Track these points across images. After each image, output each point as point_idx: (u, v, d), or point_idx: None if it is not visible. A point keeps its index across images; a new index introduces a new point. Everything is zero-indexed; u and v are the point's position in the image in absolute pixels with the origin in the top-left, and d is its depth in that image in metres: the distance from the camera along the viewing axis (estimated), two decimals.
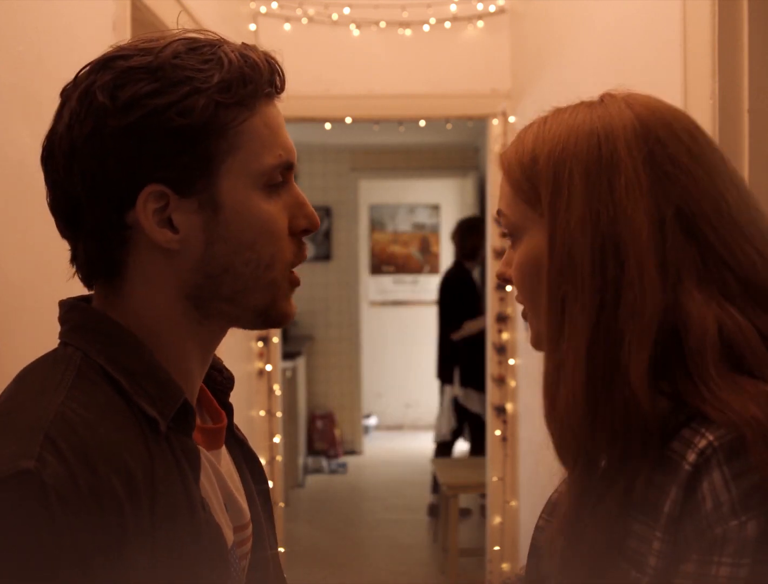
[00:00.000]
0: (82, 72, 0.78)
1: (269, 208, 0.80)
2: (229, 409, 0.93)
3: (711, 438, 0.71)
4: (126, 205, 0.76)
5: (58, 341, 0.80)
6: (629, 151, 0.78)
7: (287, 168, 0.82)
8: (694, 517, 0.70)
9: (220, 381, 0.93)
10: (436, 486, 4.79)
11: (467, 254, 4.96)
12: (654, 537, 0.73)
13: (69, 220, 0.79)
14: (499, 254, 3.42)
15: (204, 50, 0.78)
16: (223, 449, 0.89)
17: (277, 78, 0.82)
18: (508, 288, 3.34)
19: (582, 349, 0.76)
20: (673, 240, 0.77)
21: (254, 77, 0.78)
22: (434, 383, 7.29)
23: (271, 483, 3.61)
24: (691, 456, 0.71)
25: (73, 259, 0.81)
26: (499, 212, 0.90)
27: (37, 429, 0.67)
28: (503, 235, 0.86)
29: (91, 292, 0.83)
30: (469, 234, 4.91)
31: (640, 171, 0.78)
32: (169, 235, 0.77)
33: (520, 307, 0.90)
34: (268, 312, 0.82)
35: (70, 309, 0.80)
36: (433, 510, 4.93)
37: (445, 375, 5.01)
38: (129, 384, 0.75)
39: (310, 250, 6.66)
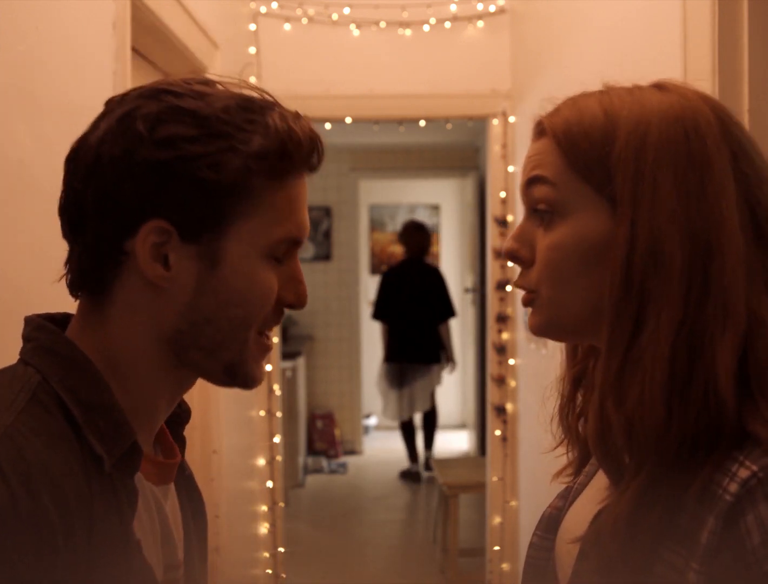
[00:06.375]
0: (133, 92, 0.78)
1: (267, 276, 0.80)
2: (182, 442, 0.92)
3: (755, 468, 0.67)
4: (129, 232, 0.76)
5: (19, 357, 0.78)
6: (717, 148, 0.75)
7: (294, 243, 0.82)
8: (736, 551, 0.66)
9: (178, 413, 0.91)
10: (413, 455, 6.00)
11: (423, 251, 5.96)
12: (690, 568, 0.69)
13: (72, 226, 0.79)
14: (499, 254, 3.42)
15: (253, 110, 0.77)
16: (171, 486, 0.87)
17: (315, 157, 0.81)
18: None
19: (666, 345, 0.72)
20: (748, 244, 0.75)
21: (293, 154, 0.78)
22: None
23: (270, 483, 3.60)
24: (733, 487, 0.68)
25: (68, 262, 0.80)
26: (537, 178, 0.81)
27: None
28: (535, 210, 0.82)
29: (59, 312, 0.83)
30: (421, 233, 5.91)
31: (728, 171, 0.75)
32: (159, 271, 0.77)
33: (520, 306, 0.88)
34: (236, 369, 0.81)
35: (37, 328, 0.79)
36: (405, 475, 5.94)
37: (432, 356, 5.87)
38: (82, 417, 0.73)
39: (310, 250, 6.69)
